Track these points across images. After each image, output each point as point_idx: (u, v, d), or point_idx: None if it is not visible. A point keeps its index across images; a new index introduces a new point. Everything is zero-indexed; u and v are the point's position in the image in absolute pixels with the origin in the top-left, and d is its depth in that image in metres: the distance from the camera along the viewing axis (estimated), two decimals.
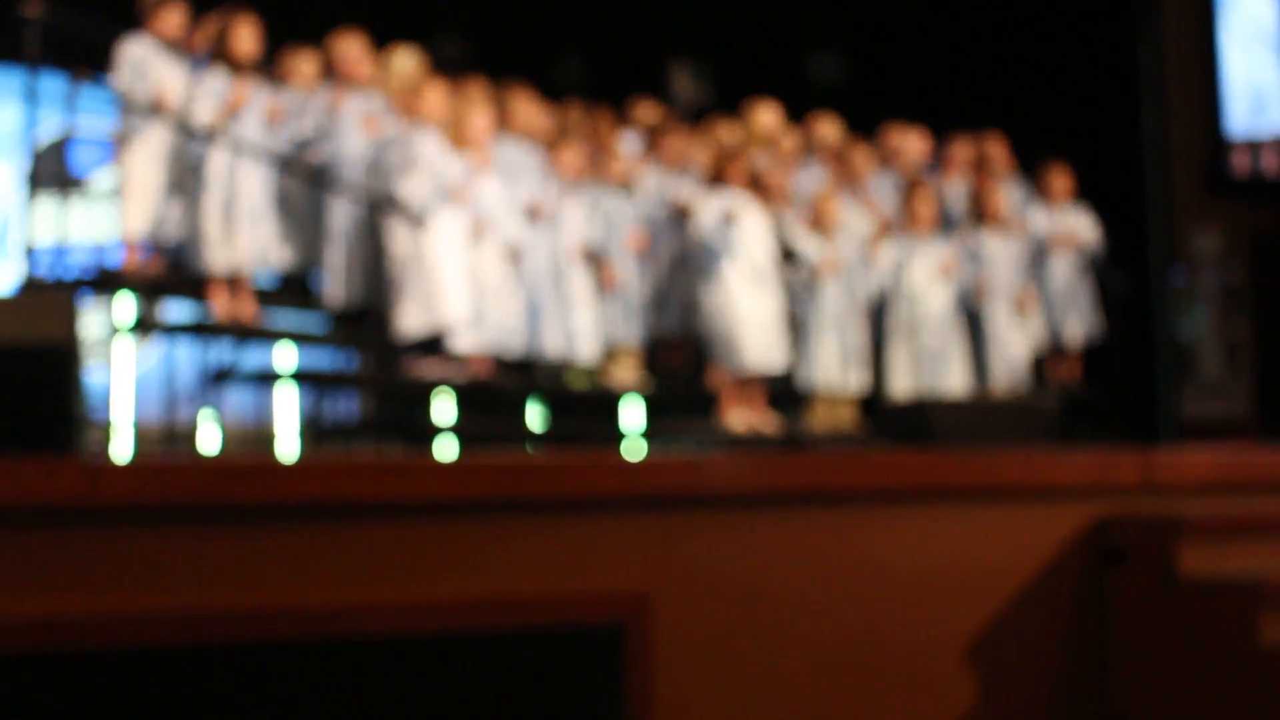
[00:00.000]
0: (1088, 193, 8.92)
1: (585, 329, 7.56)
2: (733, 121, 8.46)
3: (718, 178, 7.80)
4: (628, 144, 8.11)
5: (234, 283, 6.73)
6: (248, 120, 6.79)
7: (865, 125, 8.75)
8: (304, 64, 7.23)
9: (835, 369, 7.99)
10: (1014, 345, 8.49)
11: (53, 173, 6.99)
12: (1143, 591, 3.57)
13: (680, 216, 7.84)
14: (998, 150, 8.87)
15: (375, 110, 7.17)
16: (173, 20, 6.89)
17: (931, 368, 8.09)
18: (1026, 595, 3.60)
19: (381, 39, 7.49)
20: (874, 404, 7.97)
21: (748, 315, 7.70)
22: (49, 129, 7.20)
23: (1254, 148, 9.70)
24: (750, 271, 7.73)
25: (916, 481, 3.52)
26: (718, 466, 3.34)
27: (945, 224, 8.59)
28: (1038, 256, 8.75)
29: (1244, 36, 9.80)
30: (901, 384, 8.13)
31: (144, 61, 6.70)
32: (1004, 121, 8.88)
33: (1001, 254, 8.55)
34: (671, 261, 7.90)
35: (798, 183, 8.34)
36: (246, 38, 6.86)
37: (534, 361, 7.44)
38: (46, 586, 2.78)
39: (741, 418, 7.71)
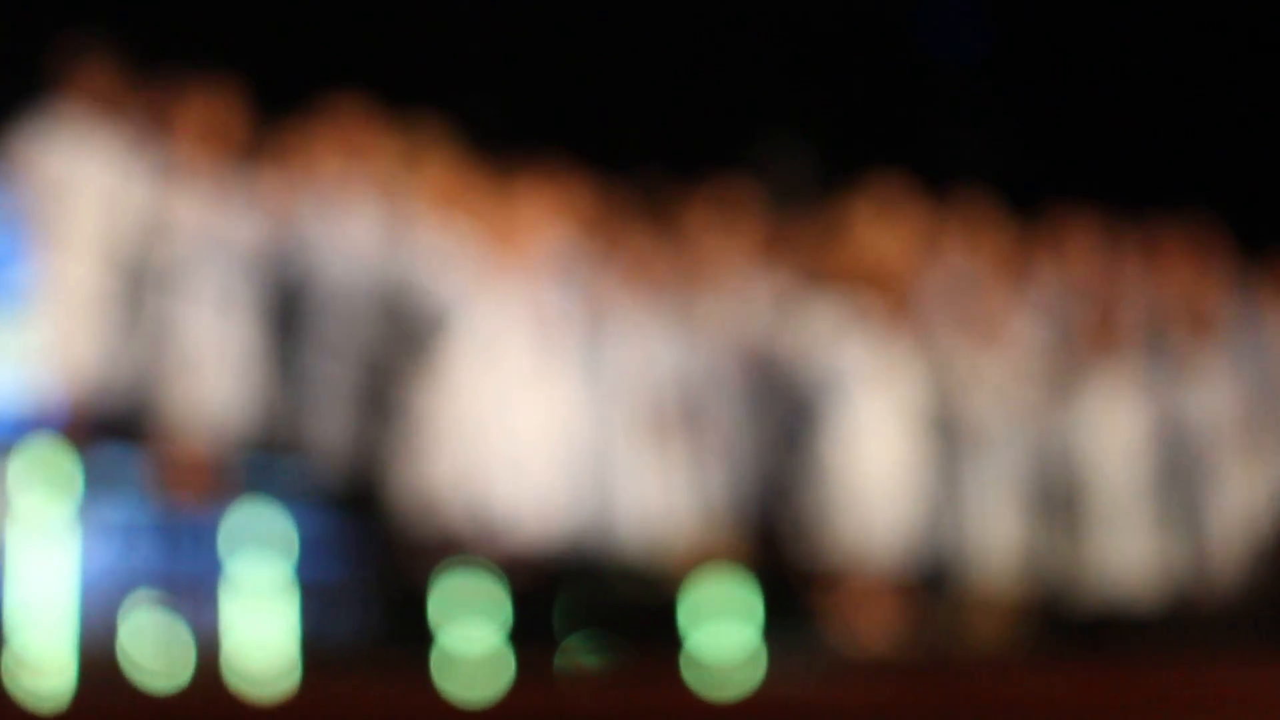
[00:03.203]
0: None
1: (660, 502, 6.95)
2: (845, 204, 7.62)
3: (826, 281, 7.25)
4: (708, 235, 7.35)
5: (194, 448, 6.24)
6: (207, 226, 6.21)
7: (1024, 205, 7.91)
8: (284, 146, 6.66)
9: (993, 560, 7.35)
10: (1233, 504, 7.58)
11: None
12: None
13: (775, 349, 7.22)
14: (1208, 239, 7.92)
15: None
16: (104, 83, 6.24)
17: (1113, 544, 7.41)
18: None
19: (391, 103, 6.86)
20: (1043, 607, 7.44)
21: (874, 485, 7.11)
22: None
23: None
24: (876, 424, 7.14)
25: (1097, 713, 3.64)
26: (836, 700, 3.57)
27: (1138, 340, 7.74)
28: (1267, 381, 7.81)
29: None
30: (1077, 572, 7.49)
31: (66, 149, 6.13)
32: (1212, 200, 7.97)
33: (1216, 380, 7.65)
34: (769, 411, 7.20)
35: (934, 288, 7.60)
36: (211, 119, 6.23)
37: (588, 549, 6.87)
38: None
39: (867, 626, 7.13)
